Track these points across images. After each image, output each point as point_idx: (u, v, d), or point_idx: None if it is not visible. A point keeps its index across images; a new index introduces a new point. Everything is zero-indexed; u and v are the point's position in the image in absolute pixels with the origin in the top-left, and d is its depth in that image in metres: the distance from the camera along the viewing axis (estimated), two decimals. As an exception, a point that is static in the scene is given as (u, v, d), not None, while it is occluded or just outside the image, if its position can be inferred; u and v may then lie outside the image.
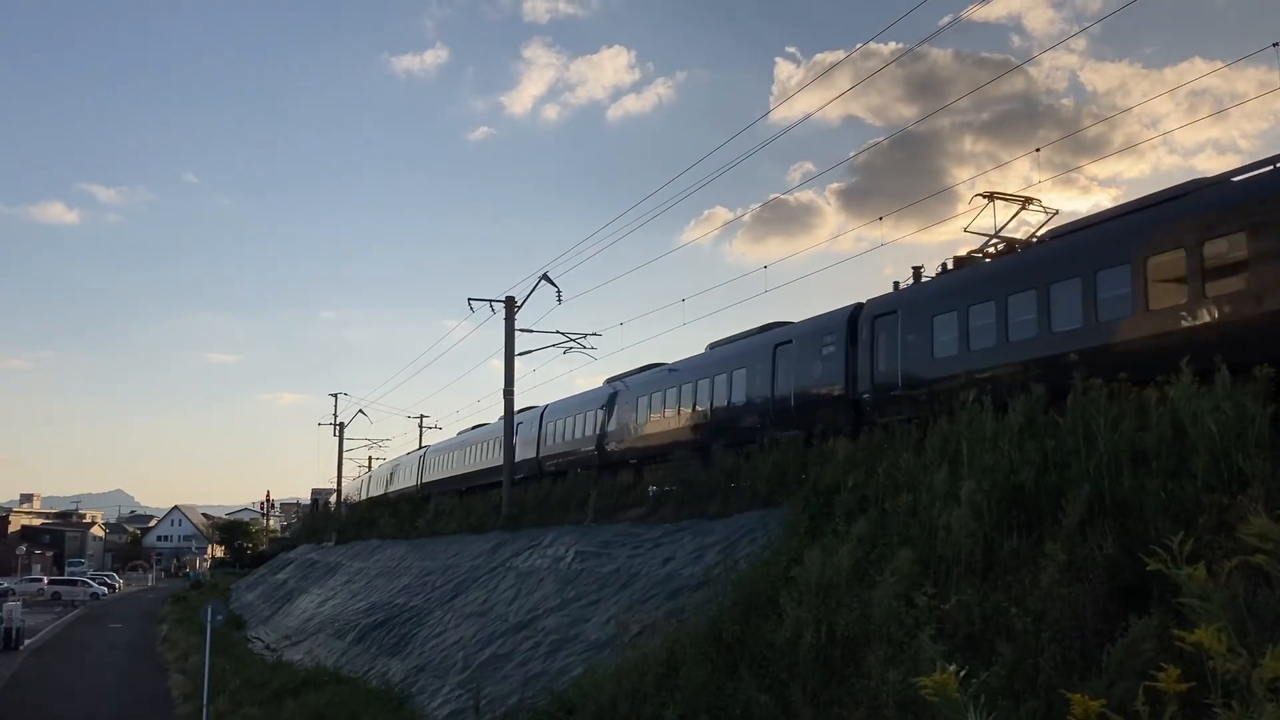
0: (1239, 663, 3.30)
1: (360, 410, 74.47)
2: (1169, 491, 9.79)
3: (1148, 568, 3.69)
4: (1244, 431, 9.83)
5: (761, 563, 15.16)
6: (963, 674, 3.52)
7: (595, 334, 38.93)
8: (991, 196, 21.82)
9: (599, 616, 19.12)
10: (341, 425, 77.39)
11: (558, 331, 38.41)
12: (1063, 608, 8.97)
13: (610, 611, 18.87)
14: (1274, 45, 15.55)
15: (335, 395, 79.22)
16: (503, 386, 36.52)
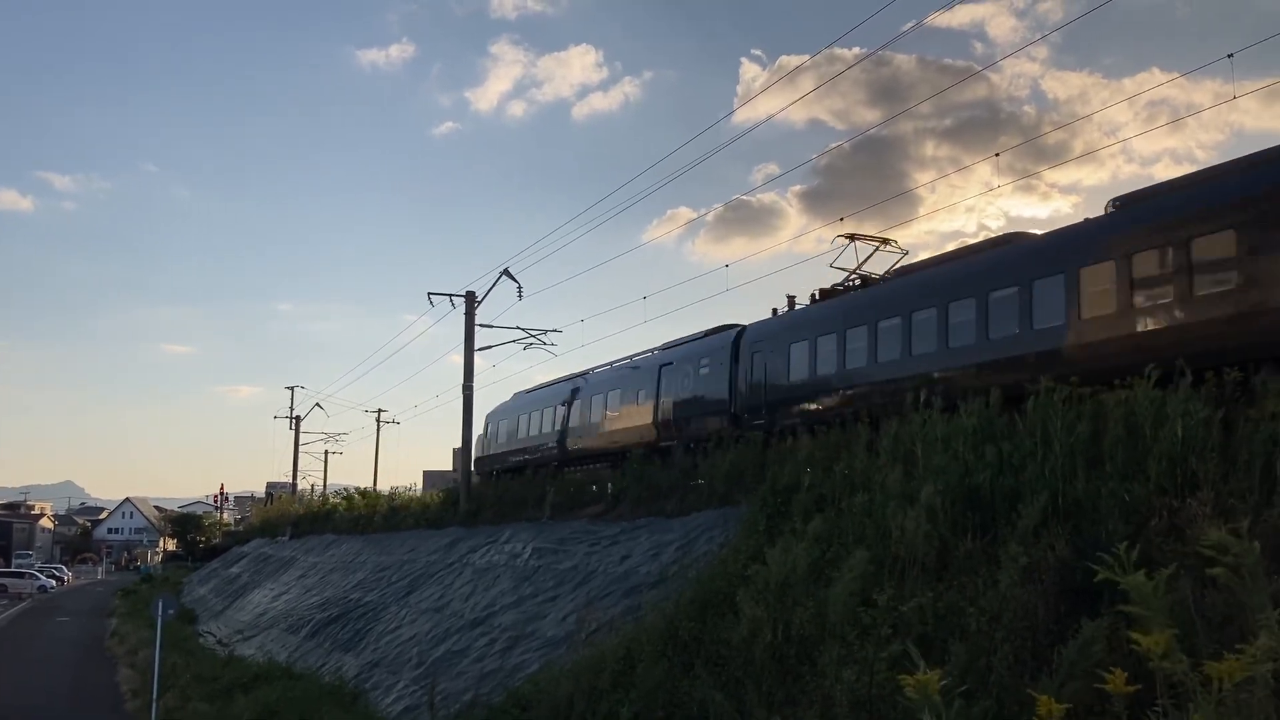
0: (1181, 666, 3.36)
1: (317, 404, 74.05)
2: (1121, 494, 9.92)
3: (1096, 578, 3.74)
4: (1200, 435, 9.99)
5: (719, 561, 15.20)
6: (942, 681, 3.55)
7: (556, 330, 38.77)
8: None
9: (556, 613, 19.08)
10: (298, 419, 76.75)
11: (518, 327, 38.22)
12: (1016, 608, 9.07)
13: (567, 609, 18.85)
14: (1229, 56, 15.80)
15: (291, 388, 78.44)
16: (462, 382, 36.38)
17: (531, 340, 38.31)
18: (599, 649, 14.50)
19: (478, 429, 39.55)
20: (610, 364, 32.70)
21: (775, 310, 25.03)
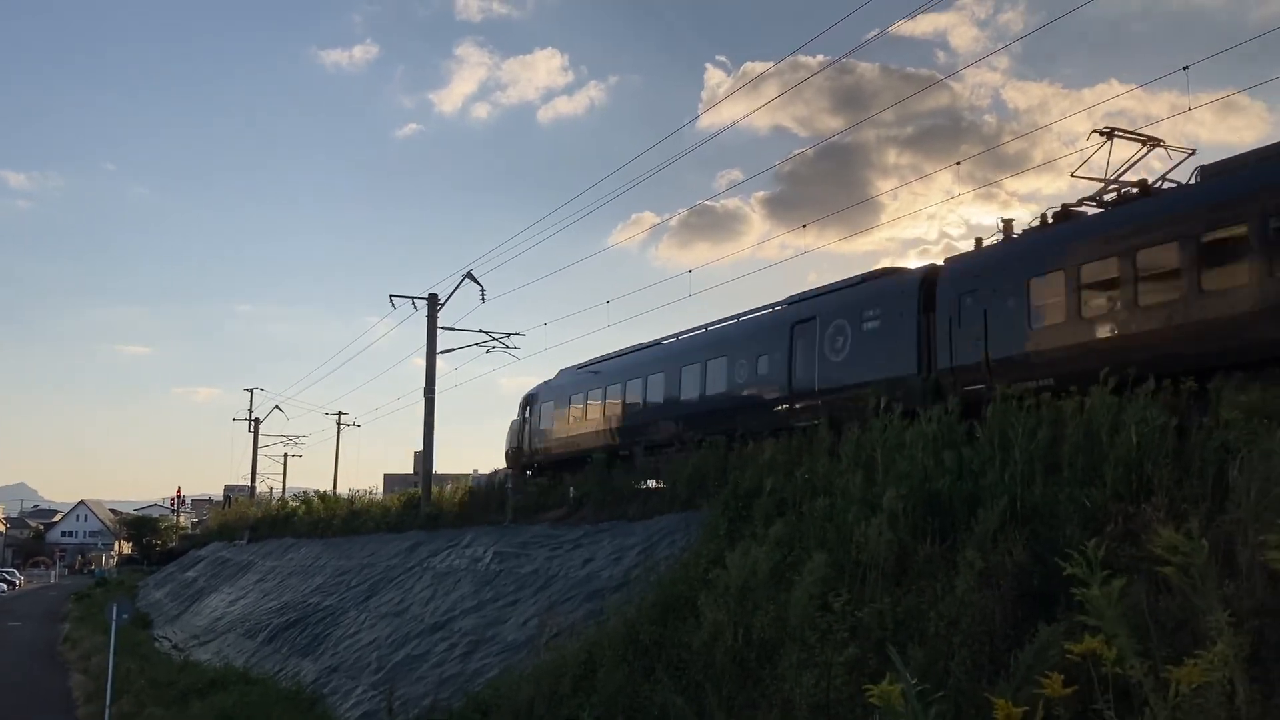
0: (1139, 670, 3.41)
1: (276, 406, 73.49)
2: (1079, 500, 10.04)
3: (1065, 572, 3.80)
4: (1155, 442, 10.14)
5: (680, 565, 15.21)
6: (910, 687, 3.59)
7: (519, 334, 38.76)
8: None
9: (517, 618, 19.02)
10: (257, 421, 76.19)
11: (480, 330, 38.16)
12: (974, 613, 9.14)
13: (528, 613, 18.80)
14: (1184, 69, 16.02)
15: (250, 390, 77.92)
16: (424, 385, 36.22)
17: (494, 343, 38.30)
18: (560, 653, 14.47)
19: (511, 414, 36.20)
20: (703, 328, 26.20)
21: (978, 242, 18.92)
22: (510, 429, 35.14)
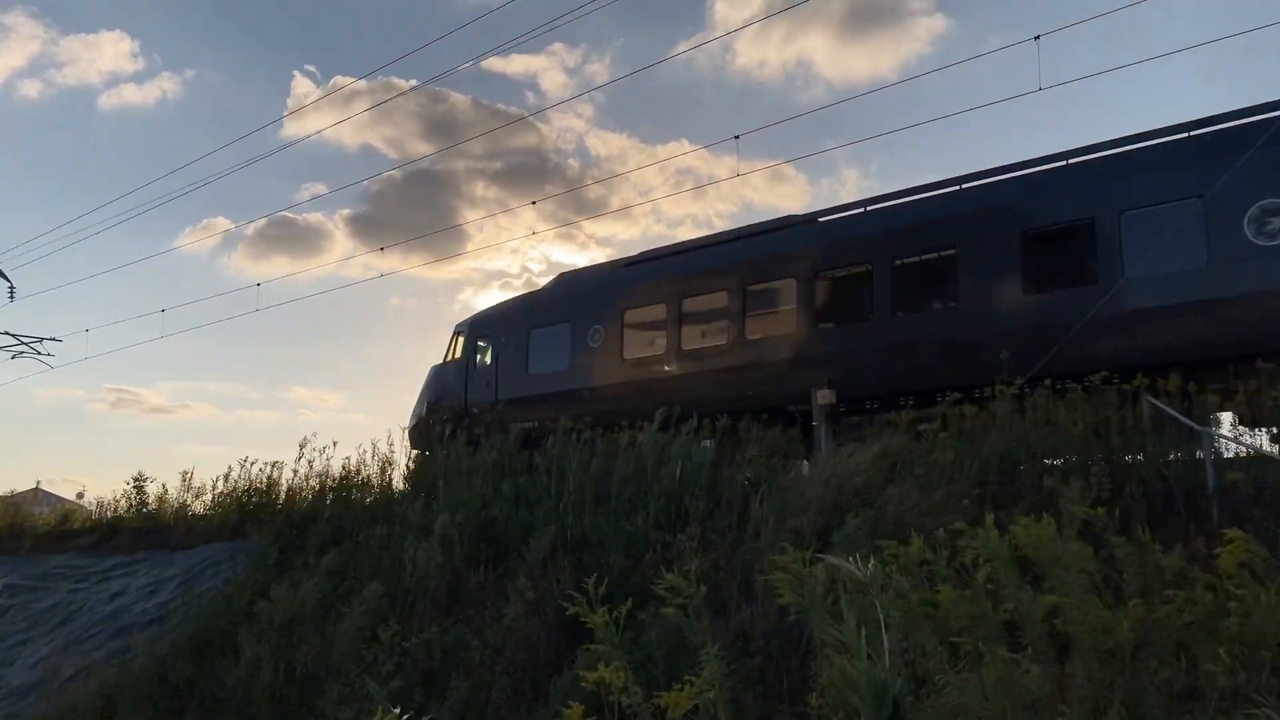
0: (638, 697, 3.52)
1: None
2: (623, 529, 10.52)
3: (566, 613, 3.87)
4: (694, 475, 10.86)
5: (223, 598, 14.23)
6: (410, 713, 3.43)
7: (54, 339, 34.68)
8: None
9: (26, 659, 16.85)
10: None
11: (7, 333, 33.75)
12: (519, 641, 9.26)
13: (42, 653, 16.73)
14: (735, 138, 17.62)
15: None
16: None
17: (23, 348, 33.95)
18: (72, 697, 13.02)
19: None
20: (999, 177, 13.35)
21: None
22: (431, 386, 19.76)
